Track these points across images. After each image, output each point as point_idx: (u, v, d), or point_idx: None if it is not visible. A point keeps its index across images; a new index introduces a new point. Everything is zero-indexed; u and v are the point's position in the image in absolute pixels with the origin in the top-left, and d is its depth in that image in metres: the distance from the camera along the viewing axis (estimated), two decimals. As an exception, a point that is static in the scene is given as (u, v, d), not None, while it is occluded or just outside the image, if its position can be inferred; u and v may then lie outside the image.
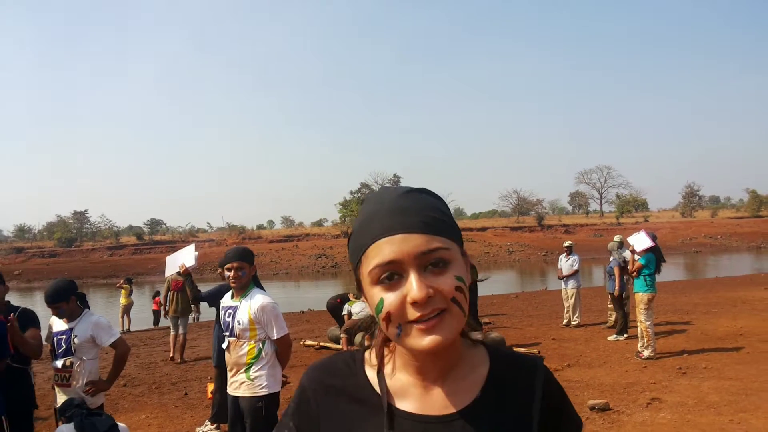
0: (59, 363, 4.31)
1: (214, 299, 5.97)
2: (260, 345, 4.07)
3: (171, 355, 10.83)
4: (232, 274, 4.17)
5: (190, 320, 17.98)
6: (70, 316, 4.36)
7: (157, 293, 18.74)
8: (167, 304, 11.01)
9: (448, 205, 1.04)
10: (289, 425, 1.05)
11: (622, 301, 10.76)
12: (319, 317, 15.96)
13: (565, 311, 12.34)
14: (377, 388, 1.01)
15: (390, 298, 0.90)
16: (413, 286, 0.88)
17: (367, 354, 1.07)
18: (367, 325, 1.08)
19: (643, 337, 8.85)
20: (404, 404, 0.99)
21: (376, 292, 0.92)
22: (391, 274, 0.90)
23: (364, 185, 75.00)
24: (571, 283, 12.20)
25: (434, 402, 0.98)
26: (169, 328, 11.51)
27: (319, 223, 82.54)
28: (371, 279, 0.92)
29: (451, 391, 0.99)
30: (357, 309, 10.50)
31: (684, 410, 6.13)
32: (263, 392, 4.00)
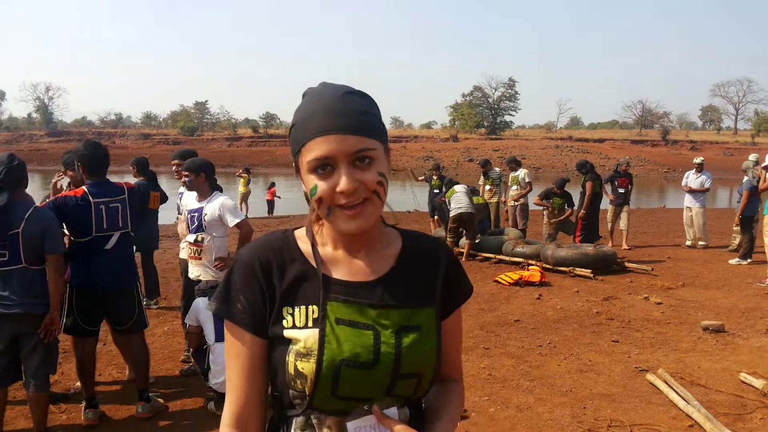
0: (191, 238, 4.69)
1: None
2: None
3: None
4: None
5: None
6: (201, 193, 4.68)
7: (272, 184, 19.62)
8: None
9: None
10: (240, 299, 1.17)
11: (750, 224, 10.06)
12: (426, 217, 16.18)
13: (688, 231, 11.72)
14: (310, 259, 1.19)
15: (323, 186, 1.09)
16: (343, 179, 1.07)
17: (297, 232, 1.26)
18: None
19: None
20: (335, 272, 1.19)
21: (311, 179, 1.10)
22: (325, 166, 1.08)
23: (477, 88, 72.85)
24: (701, 201, 11.47)
25: (359, 270, 1.19)
26: (282, 216, 12.12)
27: (428, 126, 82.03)
28: (308, 168, 1.10)
29: (372, 262, 1.21)
30: (455, 204, 9.97)
31: (808, 340, 5.79)
32: None
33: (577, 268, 8.74)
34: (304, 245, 1.22)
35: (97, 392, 4.23)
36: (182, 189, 5.27)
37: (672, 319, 6.53)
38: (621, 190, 11.35)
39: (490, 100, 72.43)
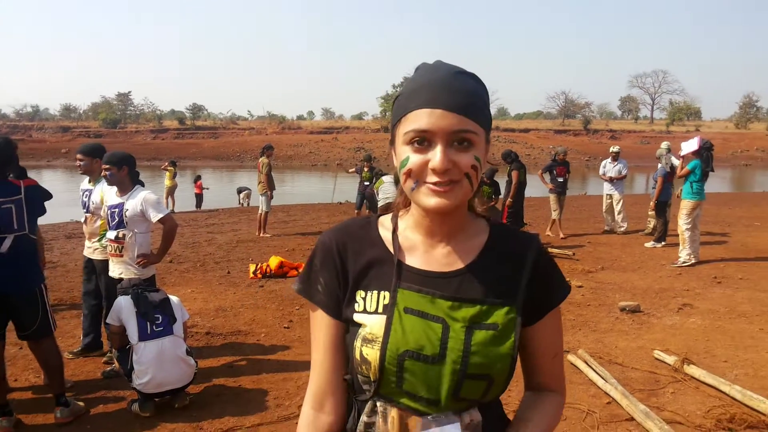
0: (112, 234, 4.53)
1: None
2: None
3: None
4: None
5: (244, 204, 18.48)
6: (122, 188, 4.53)
7: (199, 177, 19.14)
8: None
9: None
10: (319, 280, 1.19)
11: (665, 209, 10.61)
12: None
13: (606, 217, 12.19)
14: (389, 245, 1.17)
15: (415, 159, 1.05)
16: (438, 156, 1.03)
17: (381, 218, 1.24)
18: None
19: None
20: (411, 260, 1.15)
21: (405, 150, 1.07)
22: (422, 140, 1.04)
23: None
24: (619, 188, 11.93)
25: (437, 260, 1.15)
26: (211, 210, 11.92)
27: (359, 117, 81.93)
28: (405, 139, 1.07)
29: (453, 252, 1.16)
30: (383, 194, 9.90)
31: (715, 317, 6.18)
32: None
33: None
34: (385, 231, 1.20)
35: (13, 399, 4.04)
36: (86, 185, 5.07)
37: (592, 302, 6.82)
38: (560, 179, 11.53)
39: (420, 90, 73.01)
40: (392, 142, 1.14)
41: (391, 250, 1.16)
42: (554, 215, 11.67)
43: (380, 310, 1.11)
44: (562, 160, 11.69)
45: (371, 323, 1.11)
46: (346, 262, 1.17)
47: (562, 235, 11.41)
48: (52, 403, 3.95)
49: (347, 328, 1.16)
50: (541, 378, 1.24)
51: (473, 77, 1.10)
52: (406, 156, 1.06)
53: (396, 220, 1.21)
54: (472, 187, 1.07)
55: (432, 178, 1.04)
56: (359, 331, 1.11)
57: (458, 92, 1.04)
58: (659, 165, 10.78)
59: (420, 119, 1.04)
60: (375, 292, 1.13)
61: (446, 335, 1.07)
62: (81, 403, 4.07)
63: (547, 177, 11.74)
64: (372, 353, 1.08)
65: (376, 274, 1.15)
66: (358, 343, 1.11)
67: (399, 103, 1.11)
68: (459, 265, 1.14)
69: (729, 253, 9.69)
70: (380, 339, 1.08)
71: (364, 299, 1.14)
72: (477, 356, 1.07)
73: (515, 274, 1.15)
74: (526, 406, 1.23)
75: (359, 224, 1.23)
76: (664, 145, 11.14)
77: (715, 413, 3.93)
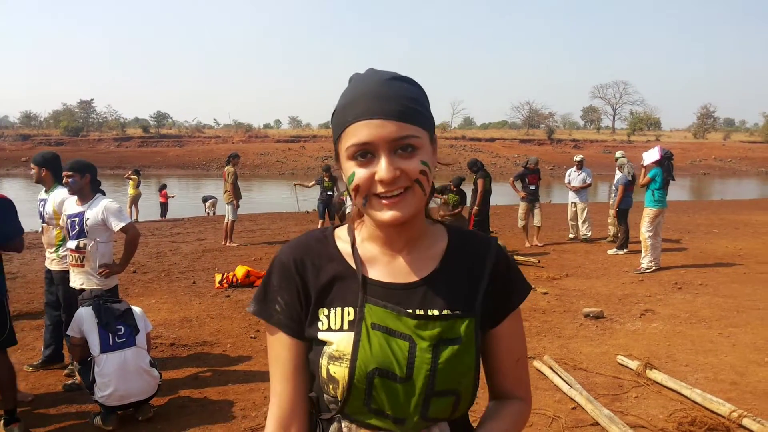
0: (73, 244, 4.43)
1: None
2: None
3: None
4: None
5: (210, 213, 18.28)
6: (82, 197, 4.44)
7: (164, 186, 18.87)
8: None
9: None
10: (277, 300, 1.14)
11: (626, 216, 10.83)
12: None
13: (571, 225, 12.36)
14: (348, 259, 1.14)
15: (361, 173, 1.03)
16: (382, 166, 1.01)
17: (337, 230, 1.20)
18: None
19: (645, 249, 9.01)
20: (373, 273, 1.13)
21: (350, 166, 1.04)
22: (365, 153, 1.02)
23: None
24: (584, 197, 12.15)
25: (399, 271, 1.13)
26: (176, 220, 11.77)
27: (326, 125, 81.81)
28: (347, 154, 1.04)
29: (413, 262, 1.14)
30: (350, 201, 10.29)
31: (676, 322, 6.32)
32: None
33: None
34: (343, 244, 1.17)
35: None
36: (43, 195, 4.96)
37: (557, 308, 6.91)
38: (532, 187, 11.61)
39: (387, 100, 73.41)
40: (337, 159, 1.11)
41: (351, 263, 1.13)
42: (520, 224, 11.79)
43: (345, 327, 1.09)
44: (533, 168, 11.84)
45: (338, 340, 1.08)
46: (306, 279, 1.13)
47: (527, 244, 11.52)
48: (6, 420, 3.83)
49: (310, 346, 1.12)
50: (505, 384, 1.22)
51: (408, 80, 1.09)
52: (352, 172, 1.04)
53: (353, 233, 1.18)
54: (424, 192, 1.05)
55: (381, 190, 1.02)
56: (324, 348, 1.08)
57: (394, 98, 1.02)
58: (619, 173, 11.01)
59: (359, 132, 1.02)
60: (338, 309, 1.10)
61: (413, 354, 1.05)
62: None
63: (518, 185, 11.87)
64: (340, 371, 1.05)
65: (339, 289, 1.12)
66: (324, 361, 1.07)
67: (337, 119, 1.09)
68: (421, 274, 1.13)
69: (689, 260, 9.94)
70: (348, 356, 1.05)
71: (328, 317, 1.10)
72: (443, 373, 1.05)
73: (476, 280, 1.14)
74: (487, 414, 1.21)
75: (316, 238, 1.19)
76: (619, 154, 11.37)
77: (677, 416, 4.01)
